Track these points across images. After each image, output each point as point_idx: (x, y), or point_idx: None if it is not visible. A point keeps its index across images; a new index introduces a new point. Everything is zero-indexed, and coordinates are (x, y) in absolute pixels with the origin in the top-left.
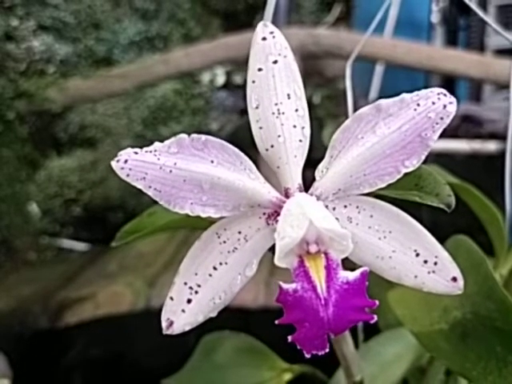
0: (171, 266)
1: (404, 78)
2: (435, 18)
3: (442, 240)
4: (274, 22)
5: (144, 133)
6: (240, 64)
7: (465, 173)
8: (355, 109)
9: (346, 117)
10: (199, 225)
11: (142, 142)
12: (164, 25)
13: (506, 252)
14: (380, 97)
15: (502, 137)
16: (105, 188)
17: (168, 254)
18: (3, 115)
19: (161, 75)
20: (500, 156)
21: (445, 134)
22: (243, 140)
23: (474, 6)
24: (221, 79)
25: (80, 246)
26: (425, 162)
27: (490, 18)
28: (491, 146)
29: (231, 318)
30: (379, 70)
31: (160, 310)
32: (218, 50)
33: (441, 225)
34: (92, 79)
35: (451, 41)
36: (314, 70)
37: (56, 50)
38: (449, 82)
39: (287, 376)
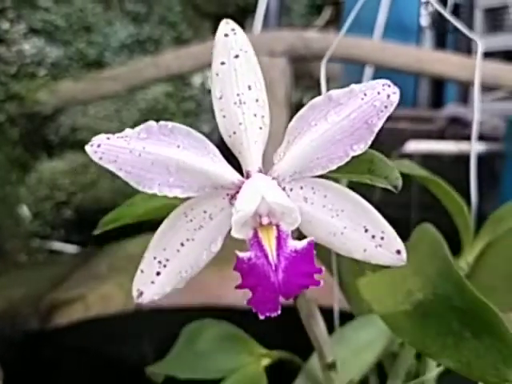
0: None
1: (394, 80)
2: (424, 21)
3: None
4: (265, 24)
5: None
6: None
7: (452, 173)
8: None
9: None
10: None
11: None
12: (155, 28)
13: (471, 241)
14: None
15: (488, 138)
16: (96, 190)
17: None
18: None
19: (151, 78)
20: (486, 157)
21: (432, 136)
22: None
23: (439, 7)
24: None
25: (70, 248)
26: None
27: (477, 22)
28: (478, 147)
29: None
30: (368, 72)
31: (151, 312)
32: (208, 52)
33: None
34: (83, 81)
35: (440, 44)
36: (304, 72)
37: (47, 53)
38: (438, 84)
39: (266, 361)
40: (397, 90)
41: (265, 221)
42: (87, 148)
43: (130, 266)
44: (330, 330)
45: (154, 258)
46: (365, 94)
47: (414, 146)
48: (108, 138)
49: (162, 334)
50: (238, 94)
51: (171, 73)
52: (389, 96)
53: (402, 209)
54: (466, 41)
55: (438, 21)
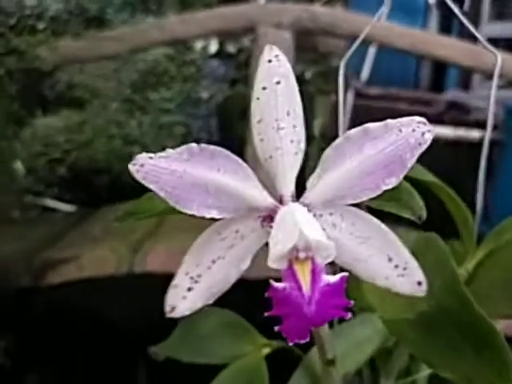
0: (155, 233)
1: (396, 60)
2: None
3: None
4: None
5: (132, 97)
6: (236, 36)
7: (447, 158)
8: (346, 87)
9: (337, 96)
10: None
11: (130, 106)
12: None
13: (473, 249)
14: (371, 77)
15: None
16: (91, 150)
17: (152, 222)
18: None
19: (155, 41)
20: (482, 144)
21: (431, 119)
22: (232, 111)
23: None
24: (213, 47)
25: (64, 206)
26: None
27: (485, 8)
28: (475, 134)
29: None
30: (372, 51)
31: (143, 276)
32: (214, 20)
33: None
34: (84, 40)
35: (445, 28)
36: (308, 45)
37: (47, 6)
38: (439, 68)
39: (266, 350)
40: (431, 127)
41: (302, 256)
42: (130, 167)
43: (124, 230)
44: (330, 325)
45: (187, 273)
46: (400, 131)
47: None
48: (151, 158)
49: (153, 298)
50: (276, 120)
51: (175, 37)
52: (423, 134)
53: None
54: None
55: (444, 3)
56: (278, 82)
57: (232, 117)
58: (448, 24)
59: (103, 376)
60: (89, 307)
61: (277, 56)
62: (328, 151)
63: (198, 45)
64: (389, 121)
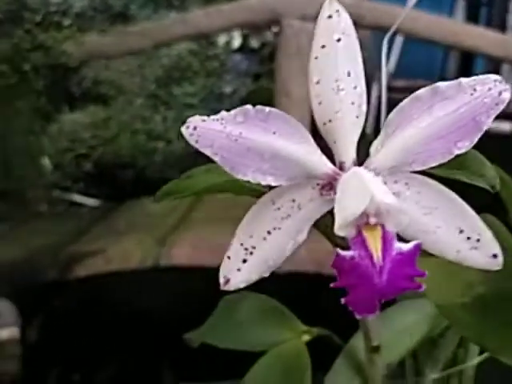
0: (181, 226)
1: (422, 51)
2: None
3: None
4: None
5: (157, 92)
6: (260, 28)
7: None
8: (368, 79)
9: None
10: (236, 191)
11: (154, 101)
12: None
13: None
14: (398, 68)
15: None
16: (116, 146)
17: (177, 214)
18: (19, 67)
19: (179, 35)
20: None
21: None
22: (256, 105)
23: None
24: (237, 42)
25: (90, 201)
26: None
27: None
28: (505, 126)
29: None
30: (399, 41)
31: (168, 269)
32: (239, 12)
33: None
34: (109, 35)
35: (472, 17)
36: None
37: (72, 3)
38: (467, 59)
39: (306, 337)
40: (508, 86)
41: (372, 221)
42: (183, 130)
43: (149, 223)
44: None
45: (241, 244)
46: (474, 90)
47: None
48: (203, 120)
49: (177, 290)
50: (336, 80)
51: (199, 31)
52: (500, 93)
53: None
54: (499, 15)
55: None
56: (339, 40)
57: None
58: (475, 13)
59: (128, 369)
60: (115, 300)
61: (337, 11)
62: (393, 114)
63: (222, 39)
64: (462, 79)
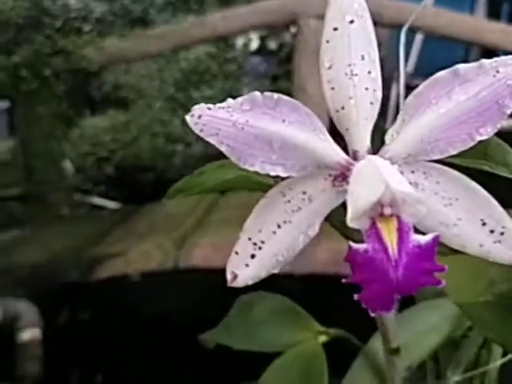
0: (200, 227)
1: (442, 50)
2: None
3: None
4: None
5: (176, 95)
6: (278, 30)
7: None
8: (385, 78)
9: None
10: (248, 187)
11: (173, 104)
12: None
13: None
14: (417, 67)
15: None
16: (136, 149)
17: (197, 216)
18: (40, 72)
19: (197, 38)
20: None
21: None
22: None
23: None
24: (254, 44)
25: (111, 204)
26: None
27: None
28: None
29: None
30: (419, 39)
31: (187, 271)
32: (256, 14)
33: None
34: (128, 39)
35: (493, 13)
36: None
37: (92, 8)
38: (488, 56)
39: (323, 338)
40: None
41: (387, 211)
42: (188, 118)
43: (168, 225)
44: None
45: (249, 239)
46: (497, 71)
47: None
48: (209, 108)
49: (197, 292)
50: (349, 65)
51: (217, 33)
52: None
53: None
54: None
55: None
56: (352, 22)
57: None
58: (497, 9)
59: (148, 369)
60: (135, 301)
61: None
62: (410, 99)
63: (239, 42)
64: (484, 61)
